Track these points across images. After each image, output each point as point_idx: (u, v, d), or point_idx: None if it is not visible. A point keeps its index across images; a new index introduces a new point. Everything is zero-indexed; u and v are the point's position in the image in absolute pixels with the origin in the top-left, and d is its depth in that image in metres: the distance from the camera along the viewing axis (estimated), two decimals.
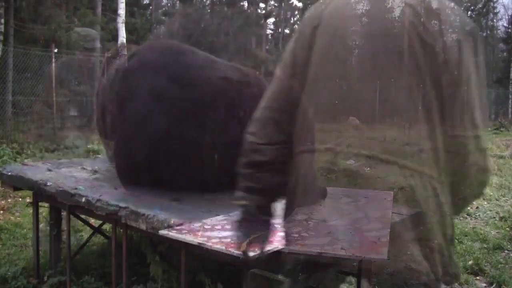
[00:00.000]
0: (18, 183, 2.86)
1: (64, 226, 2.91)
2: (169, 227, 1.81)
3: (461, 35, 1.18)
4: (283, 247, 1.44)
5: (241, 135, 2.40)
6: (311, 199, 1.37)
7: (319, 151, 1.32)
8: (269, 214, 1.37)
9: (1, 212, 4.60)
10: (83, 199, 2.30)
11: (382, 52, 1.22)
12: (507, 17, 30.32)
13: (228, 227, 1.75)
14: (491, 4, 30.02)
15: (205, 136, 2.41)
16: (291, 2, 30.06)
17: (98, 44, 13.31)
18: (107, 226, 3.49)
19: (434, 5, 1.21)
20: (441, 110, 1.17)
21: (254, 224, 1.80)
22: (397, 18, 1.18)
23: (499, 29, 32.18)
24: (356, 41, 1.25)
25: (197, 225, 1.78)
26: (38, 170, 2.99)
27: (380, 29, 1.21)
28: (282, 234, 1.65)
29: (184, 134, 2.41)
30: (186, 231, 1.68)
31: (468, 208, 5.00)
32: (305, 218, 1.95)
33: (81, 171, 3.07)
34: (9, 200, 4.99)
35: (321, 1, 1.37)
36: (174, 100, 2.48)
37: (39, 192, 2.67)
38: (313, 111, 1.28)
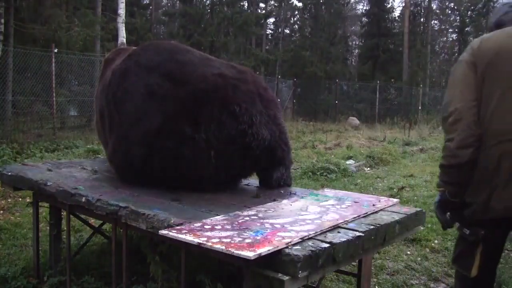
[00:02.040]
0: (18, 183, 2.86)
1: (64, 226, 2.92)
2: (169, 227, 1.81)
3: None
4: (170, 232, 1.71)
5: (238, 132, 2.40)
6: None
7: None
8: (460, 198, 1.89)
9: (1, 212, 4.60)
10: (83, 199, 2.30)
11: None
12: None
13: (228, 227, 1.75)
14: (491, 4, 29.97)
15: (201, 133, 2.40)
16: (291, 2, 30.06)
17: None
18: (107, 226, 3.50)
19: None
20: None
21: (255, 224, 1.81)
22: None
23: None
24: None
25: (197, 225, 1.78)
26: (38, 170, 2.99)
27: None
28: (199, 224, 1.78)
29: (179, 130, 2.40)
30: (186, 231, 1.68)
31: None
32: (251, 214, 1.97)
33: (81, 171, 3.07)
34: (9, 200, 4.99)
35: (490, 35, 1.98)
36: (169, 97, 2.47)
37: (39, 192, 2.68)
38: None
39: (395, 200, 2.39)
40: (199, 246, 1.57)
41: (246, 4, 26.23)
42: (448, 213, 1.94)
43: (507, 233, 1.99)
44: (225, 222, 1.83)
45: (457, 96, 1.89)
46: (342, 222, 1.87)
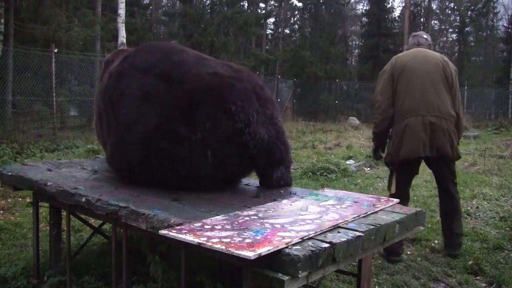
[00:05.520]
0: (18, 183, 2.86)
1: (64, 226, 2.91)
2: (169, 227, 1.81)
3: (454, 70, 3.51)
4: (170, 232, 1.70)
5: (234, 130, 2.39)
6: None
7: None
8: (381, 147, 3.68)
9: (1, 212, 4.60)
10: (83, 199, 2.30)
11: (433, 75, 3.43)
12: (507, 17, 30.33)
13: (228, 227, 1.75)
14: (491, 4, 29.99)
15: (197, 133, 2.38)
16: (291, 2, 30.05)
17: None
18: (107, 226, 3.50)
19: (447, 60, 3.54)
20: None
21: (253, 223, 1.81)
22: (434, 63, 3.46)
23: (499, 29, 32.19)
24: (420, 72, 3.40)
25: (197, 225, 1.78)
26: (38, 170, 2.99)
27: (428, 67, 3.44)
28: (199, 224, 1.77)
29: (175, 131, 2.39)
30: (186, 231, 1.68)
31: (468, 208, 5.01)
32: (251, 214, 1.96)
33: (81, 171, 3.07)
34: (9, 200, 4.99)
35: (402, 54, 3.58)
36: (164, 98, 2.47)
37: (39, 192, 2.68)
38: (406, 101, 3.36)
39: (395, 200, 2.39)
40: (199, 246, 1.57)
41: (246, 4, 26.23)
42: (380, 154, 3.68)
43: (412, 168, 3.52)
44: (225, 222, 1.83)
45: (380, 93, 3.44)
46: (342, 222, 1.87)
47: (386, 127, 3.45)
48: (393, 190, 3.41)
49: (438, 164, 3.51)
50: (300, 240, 1.62)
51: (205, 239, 1.59)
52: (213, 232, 1.68)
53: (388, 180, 3.56)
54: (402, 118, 3.32)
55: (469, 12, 30.77)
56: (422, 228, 3.47)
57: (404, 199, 3.24)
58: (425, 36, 3.70)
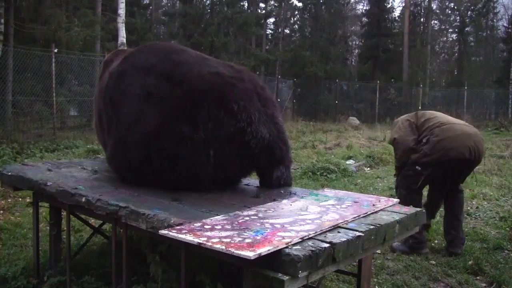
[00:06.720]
0: (18, 183, 2.86)
1: (64, 226, 2.92)
2: (169, 227, 1.81)
3: None
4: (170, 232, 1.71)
5: (236, 129, 2.39)
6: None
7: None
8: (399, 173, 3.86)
9: (1, 212, 4.60)
10: (83, 199, 2.30)
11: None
12: (507, 17, 30.30)
13: (228, 227, 1.75)
14: (491, 4, 29.98)
15: (199, 132, 2.38)
16: (291, 2, 30.04)
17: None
18: (107, 226, 3.50)
19: None
20: None
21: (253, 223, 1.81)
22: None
23: (499, 29, 32.16)
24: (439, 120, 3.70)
25: (197, 225, 1.78)
26: (38, 170, 2.99)
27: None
28: (199, 224, 1.77)
29: (177, 131, 2.38)
30: (186, 231, 1.68)
31: (468, 208, 5.01)
32: (251, 214, 1.96)
33: (81, 171, 3.07)
34: (9, 200, 4.99)
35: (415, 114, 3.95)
36: (166, 98, 2.46)
37: (39, 192, 2.68)
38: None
39: (395, 200, 2.39)
40: (199, 246, 1.57)
41: (246, 4, 26.22)
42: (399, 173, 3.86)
43: (441, 170, 3.64)
44: (225, 222, 1.83)
45: (396, 132, 3.77)
46: (342, 222, 1.87)
47: (406, 161, 3.67)
48: (417, 185, 3.66)
49: (468, 168, 3.75)
50: (300, 240, 1.62)
51: (205, 239, 1.59)
52: (213, 232, 1.68)
53: (416, 180, 3.63)
54: (443, 125, 3.59)
55: (469, 12, 30.76)
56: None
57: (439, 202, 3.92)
58: None
